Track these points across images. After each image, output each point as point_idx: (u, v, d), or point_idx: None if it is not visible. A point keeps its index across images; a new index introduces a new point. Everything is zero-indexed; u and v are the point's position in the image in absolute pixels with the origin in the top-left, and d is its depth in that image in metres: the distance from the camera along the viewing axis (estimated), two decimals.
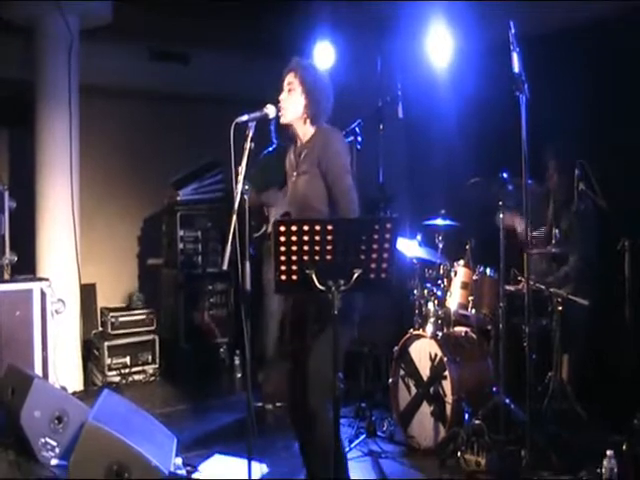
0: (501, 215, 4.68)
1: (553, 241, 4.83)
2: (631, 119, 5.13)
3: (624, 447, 4.08)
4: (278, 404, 5.75)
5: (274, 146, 5.77)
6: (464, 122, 5.96)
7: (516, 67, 3.71)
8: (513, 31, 3.69)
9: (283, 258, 3.12)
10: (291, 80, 3.73)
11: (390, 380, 5.20)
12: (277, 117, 3.76)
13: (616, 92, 5.24)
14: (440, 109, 6.16)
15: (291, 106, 3.71)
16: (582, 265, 4.99)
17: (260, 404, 5.73)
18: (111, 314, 6.98)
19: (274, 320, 5.70)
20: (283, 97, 3.72)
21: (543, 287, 4.71)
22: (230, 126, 3.47)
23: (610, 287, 4.83)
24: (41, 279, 5.70)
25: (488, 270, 4.98)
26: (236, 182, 3.46)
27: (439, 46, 5.52)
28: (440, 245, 5.25)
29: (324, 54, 6.14)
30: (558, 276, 4.99)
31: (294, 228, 3.08)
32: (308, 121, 3.74)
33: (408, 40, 6.07)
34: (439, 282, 5.20)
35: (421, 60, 5.75)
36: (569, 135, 5.15)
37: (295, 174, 3.78)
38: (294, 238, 3.08)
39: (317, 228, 3.08)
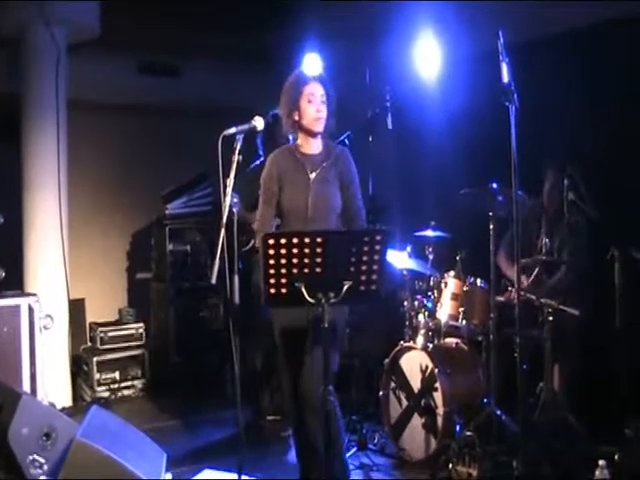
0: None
1: (543, 250, 4.82)
2: (622, 128, 5.13)
3: (616, 457, 4.06)
4: (269, 418, 5.72)
5: (261, 159, 5.72)
6: (454, 132, 5.94)
7: (505, 77, 3.70)
8: (502, 40, 3.69)
9: (272, 271, 3.11)
10: (325, 93, 3.92)
11: (381, 393, 5.18)
12: (264, 129, 3.78)
13: (608, 101, 5.22)
14: (430, 119, 6.13)
15: (327, 118, 3.91)
16: (572, 277, 4.98)
17: (251, 418, 5.69)
18: (100, 329, 6.94)
19: (266, 330, 5.66)
20: (322, 108, 3.88)
21: (533, 297, 4.69)
22: (219, 139, 3.47)
23: (600, 297, 4.82)
24: (29, 294, 5.63)
25: (478, 281, 4.98)
26: (224, 195, 3.45)
27: (428, 56, 5.52)
28: (430, 256, 5.24)
29: (313, 65, 6.13)
30: (548, 286, 4.98)
31: (283, 241, 3.06)
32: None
33: (397, 50, 6.07)
34: (429, 294, 5.19)
35: (410, 70, 5.73)
36: (560, 144, 5.15)
37: (313, 177, 3.86)
38: (283, 251, 3.07)
39: (307, 241, 3.07)
